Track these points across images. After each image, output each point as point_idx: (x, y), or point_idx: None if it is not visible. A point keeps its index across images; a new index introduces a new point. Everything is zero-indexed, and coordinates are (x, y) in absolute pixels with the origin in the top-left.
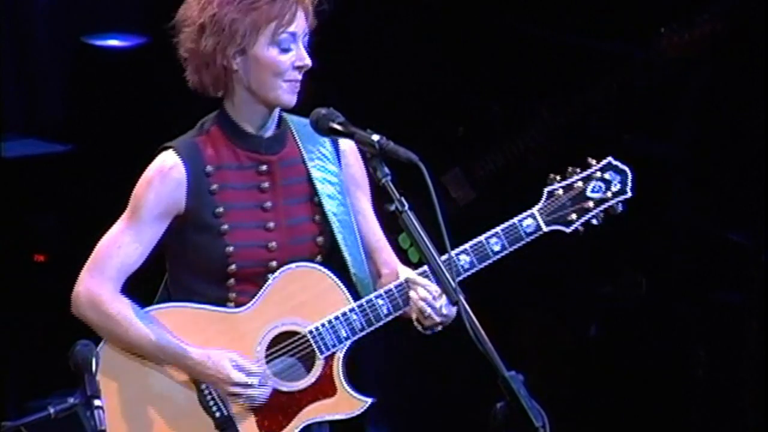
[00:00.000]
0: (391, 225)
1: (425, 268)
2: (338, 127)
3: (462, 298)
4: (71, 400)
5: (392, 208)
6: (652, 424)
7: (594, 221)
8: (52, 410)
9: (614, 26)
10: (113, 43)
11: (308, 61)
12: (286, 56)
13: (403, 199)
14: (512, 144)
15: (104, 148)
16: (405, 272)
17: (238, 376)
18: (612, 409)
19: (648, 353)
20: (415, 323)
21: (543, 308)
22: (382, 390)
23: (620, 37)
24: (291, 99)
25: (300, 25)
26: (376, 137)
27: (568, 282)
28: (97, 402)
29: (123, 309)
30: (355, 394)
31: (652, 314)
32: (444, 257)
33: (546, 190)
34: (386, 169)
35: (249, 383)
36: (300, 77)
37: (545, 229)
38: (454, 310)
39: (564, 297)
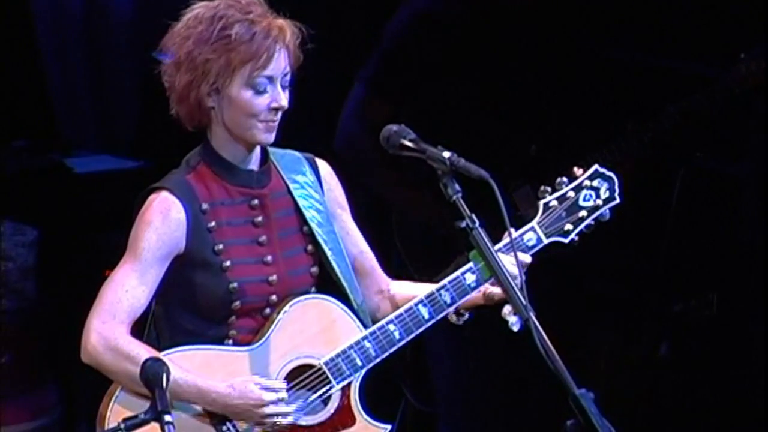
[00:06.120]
0: (461, 242)
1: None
2: (409, 144)
3: (532, 315)
4: (142, 416)
5: (463, 224)
6: None
7: (585, 230)
8: (123, 425)
9: (695, 48)
10: None
11: (284, 103)
12: (261, 98)
13: (473, 216)
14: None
15: (175, 165)
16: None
17: (269, 396)
18: (683, 427)
19: (719, 372)
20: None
21: (614, 326)
22: (451, 409)
23: (700, 59)
24: (267, 137)
25: (278, 66)
26: (447, 154)
27: (639, 300)
28: (167, 417)
29: (141, 350)
30: (374, 422)
31: (724, 333)
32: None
33: (541, 203)
34: (457, 186)
35: (281, 398)
36: (276, 117)
37: (546, 241)
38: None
39: (635, 315)
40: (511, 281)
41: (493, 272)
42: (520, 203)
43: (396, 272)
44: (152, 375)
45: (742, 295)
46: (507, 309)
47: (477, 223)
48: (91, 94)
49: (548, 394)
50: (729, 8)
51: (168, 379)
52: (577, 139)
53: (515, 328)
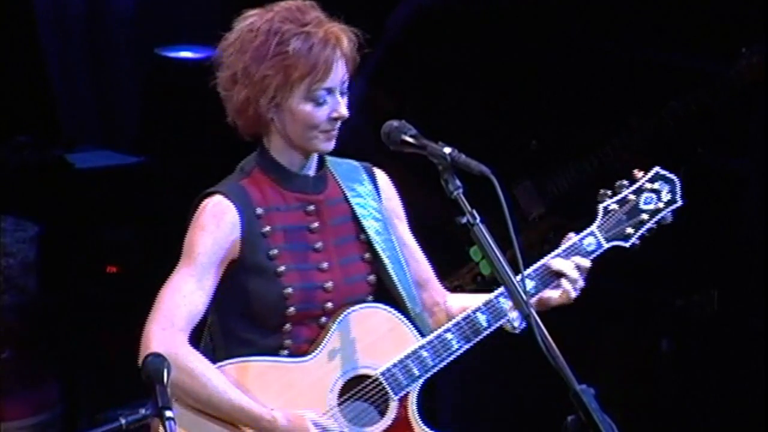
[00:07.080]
0: (463, 238)
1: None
2: (410, 140)
3: (533, 311)
4: (143, 411)
5: (464, 220)
6: None
7: (646, 233)
8: (123, 421)
9: (697, 43)
10: (187, 54)
11: (344, 112)
12: (321, 110)
13: (474, 212)
14: (587, 161)
15: (177, 160)
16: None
17: None
18: (684, 423)
19: (720, 368)
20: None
21: (615, 322)
22: (453, 405)
23: (702, 54)
24: (328, 146)
25: (336, 77)
26: (447, 150)
27: (640, 296)
28: (168, 413)
29: (199, 364)
30: None
31: (725, 329)
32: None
33: (601, 206)
34: (458, 182)
35: None
36: (336, 126)
37: (606, 245)
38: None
39: (636, 311)
40: (512, 277)
41: (494, 267)
42: (521, 199)
43: None
44: (153, 370)
45: (743, 291)
46: (508, 305)
47: (478, 219)
48: (92, 90)
49: (549, 390)
50: (731, 3)
51: (169, 375)
52: (579, 135)
53: (516, 324)
